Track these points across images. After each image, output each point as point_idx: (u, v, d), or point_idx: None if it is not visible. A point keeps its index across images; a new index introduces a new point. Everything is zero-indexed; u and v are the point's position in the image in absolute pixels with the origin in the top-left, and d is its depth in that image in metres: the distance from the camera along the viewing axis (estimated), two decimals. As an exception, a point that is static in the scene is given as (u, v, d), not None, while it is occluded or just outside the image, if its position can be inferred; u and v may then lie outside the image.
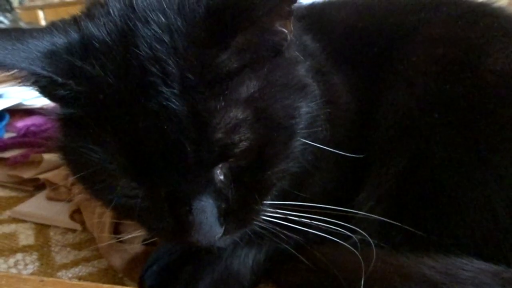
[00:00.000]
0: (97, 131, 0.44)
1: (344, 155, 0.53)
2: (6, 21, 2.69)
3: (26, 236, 0.82)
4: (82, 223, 0.79)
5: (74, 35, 0.45)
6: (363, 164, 0.57)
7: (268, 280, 0.57)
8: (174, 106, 0.41)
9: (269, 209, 0.51)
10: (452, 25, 0.61)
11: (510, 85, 0.54)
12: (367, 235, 0.53)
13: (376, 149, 0.57)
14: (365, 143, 0.58)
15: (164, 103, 0.42)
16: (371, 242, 0.52)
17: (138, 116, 0.42)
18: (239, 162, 0.46)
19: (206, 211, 0.44)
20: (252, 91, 0.45)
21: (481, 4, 0.66)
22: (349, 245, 0.54)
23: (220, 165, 0.45)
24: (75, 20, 0.47)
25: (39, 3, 3.29)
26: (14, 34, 0.43)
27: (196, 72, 0.42)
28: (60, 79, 0.44)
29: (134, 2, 0.46)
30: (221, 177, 0.46)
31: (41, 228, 0.84)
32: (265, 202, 0.50)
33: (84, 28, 0.46)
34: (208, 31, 0.43)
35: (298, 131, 0.49)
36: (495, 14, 0.64)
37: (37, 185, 0.96)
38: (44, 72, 0.43)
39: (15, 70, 0.43)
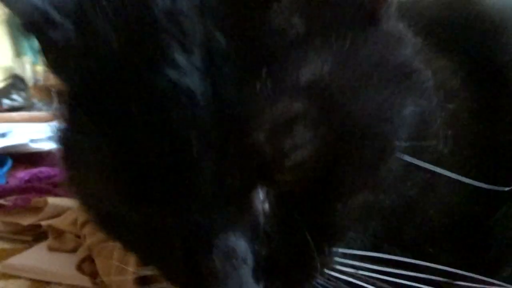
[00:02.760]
0: (82, 112, 0.30)
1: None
2: (20, 99, 2.69)
3: (17, 295, 0.63)
4: (93, 275, 0.61)
5: None
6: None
7: None
8: (190, 85, 0.26)
9: (340, 260, 0.33)
10: None
11: None
12: None
13: None
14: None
15: (176, 77, 0.26)
16: None
17: (135, 95, 0.27)
18: (293, 186, 0.29)
19: (236, 257, 0.28)
20: (319, 73, 0.28)
21: None
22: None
23: (261, 188, 0.29)
24: None
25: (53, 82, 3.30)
26: None
27: (230, 34, 0.27)
28: (57, 17, 0.30)
29: None
30: (264, 207, 0.29)
31: (38, 285, 0.65)
32: (333, 250, 0.33)
33: None
34: None
35: (398, 143, 0.31)
36: None
37: (38, 234, 0.78)
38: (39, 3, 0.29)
39: None
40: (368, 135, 0.29)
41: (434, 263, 0.34)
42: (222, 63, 0.26)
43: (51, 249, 0.72)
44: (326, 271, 0.32)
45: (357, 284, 0.33)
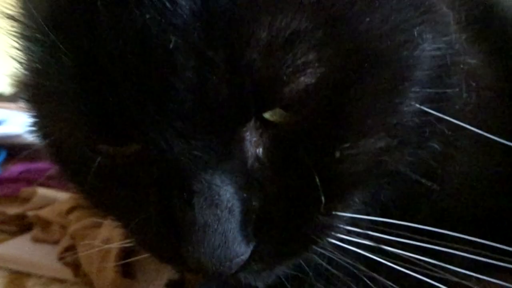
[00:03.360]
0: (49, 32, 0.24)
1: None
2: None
3: (-8, 286, 0.58)
4: (75, 267, 0.55)
5: None
6: None
7: None
8: None
9: (346, 227, 0.28)
10: None
11: None
12: None
13: None
14: None
15: None
16: None
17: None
18: (292, 125, 0.24)
19: (220, 205, 0.23)
20: None
21: None
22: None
23: (255, 130, 0.24)
24: None
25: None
26: None
27: None
28: None
29: None
30: (258, 151, 0.25)
31: (17, 277, 0.60)
32: (337, 213, 0.27)
33: None
34: None
35: (414, 79, 0.26)
36: None
37: (23, 225, 0.73)
38: None
39: None
40: (382, 60, 0.24)
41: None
42: None
43: (35, 240, 0.67)
44: (329, 239, 0.27)
45: (364, 256, 0.28)
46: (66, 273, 0.57)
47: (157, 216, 0.25)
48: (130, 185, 0.26)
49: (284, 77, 0.22)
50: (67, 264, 0.56)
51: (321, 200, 0.25)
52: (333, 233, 0.27)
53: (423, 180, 0.30)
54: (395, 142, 0.27)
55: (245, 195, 0.24)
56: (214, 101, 0.22)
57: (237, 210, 0.24)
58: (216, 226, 0.23)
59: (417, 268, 0.29)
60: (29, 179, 0.89)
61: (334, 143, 0.25)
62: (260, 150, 0.24)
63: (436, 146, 0.30)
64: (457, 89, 0.30)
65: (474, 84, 0.31)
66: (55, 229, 0.67)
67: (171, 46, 0.21)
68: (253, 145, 0.24)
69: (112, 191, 0.28)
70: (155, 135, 0.23)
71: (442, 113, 0.28)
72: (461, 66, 0.30)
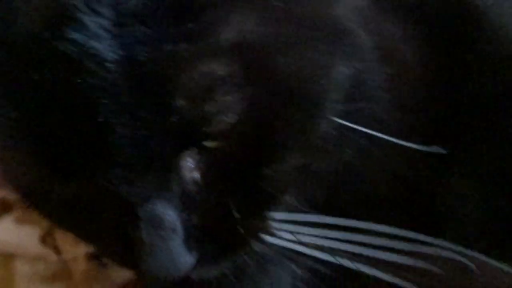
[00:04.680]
0: None
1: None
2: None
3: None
4: (57, 247, 0.61)
5: None
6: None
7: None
8: (99, 48, 0.24)
9: (278, 226, 0.33)
10: None
11: None
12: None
13: (468, 122, 0.39)
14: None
15: (82, 40, 0.24)
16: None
17: (36, 61, 0.25)
18: (221, 153, 0.28)
19: (164, 227, 0.28)
20: (245, 30, 0.27)
21: None
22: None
23: (191, 156, 0.28)
24: None
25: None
26: None
27: None
28: None
29: None
30: (195, 176, 0.29)
31: (4, 258, 0.66)
32: (268, 215, 0.32)
33: None
34: None
35: (327, 105, 0.30)
36: None
37: (5, 207, 0.77)
38: None
39: None
40: (296, 96, 0.28)
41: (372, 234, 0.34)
42: (133, 24, 0.24)
43: (18, 221, 0.71)
44: (264, 236, 0.32)
45: (301, 253, 0.33)
46: (47, 252, 0.62)
47: (114, 240, 0.30)
48: (88, 214, 0.30)
49: (208, 118, 0.26)
50: (48, 245, 0.62)
51: (252, 210, 0.30)
52: (267, 234, 0.32)
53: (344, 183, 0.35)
54: (315, 157, 0.31)
55: (185, 215, 0.28)
56: (147, 147, 0.26)
57: (179, 228, 0.28)
58: (161, 244, 0.27)
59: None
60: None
61: (256, 168, 0.29)
62: (197, 175, 0.29)
63: (351, 153, 0.35)
64: (370, 104, 0.34)
65: (386, 96, 0.35)
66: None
67: (100, 107, 0.25)
68: (190, 171, 0.28)
69: (72, 219, 0.32)
70: (96, 178, 0.27)
71: (356, 123, 0.32)
72: (376, 82, 0.34)
